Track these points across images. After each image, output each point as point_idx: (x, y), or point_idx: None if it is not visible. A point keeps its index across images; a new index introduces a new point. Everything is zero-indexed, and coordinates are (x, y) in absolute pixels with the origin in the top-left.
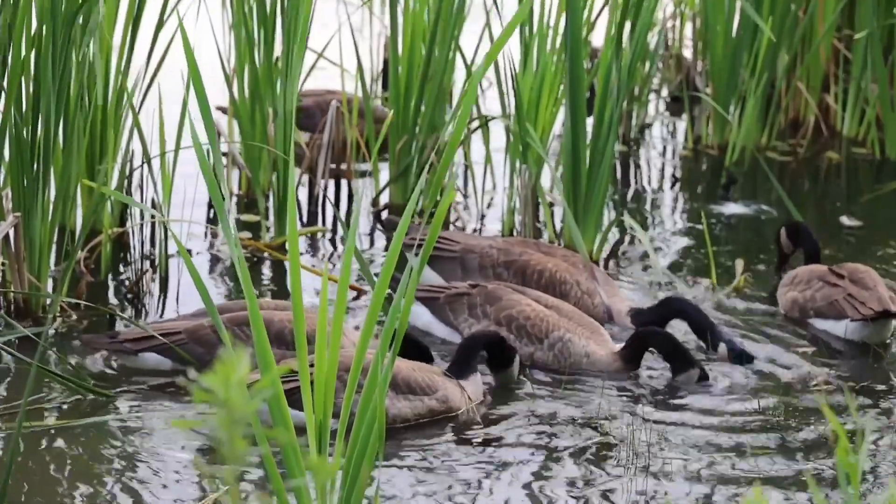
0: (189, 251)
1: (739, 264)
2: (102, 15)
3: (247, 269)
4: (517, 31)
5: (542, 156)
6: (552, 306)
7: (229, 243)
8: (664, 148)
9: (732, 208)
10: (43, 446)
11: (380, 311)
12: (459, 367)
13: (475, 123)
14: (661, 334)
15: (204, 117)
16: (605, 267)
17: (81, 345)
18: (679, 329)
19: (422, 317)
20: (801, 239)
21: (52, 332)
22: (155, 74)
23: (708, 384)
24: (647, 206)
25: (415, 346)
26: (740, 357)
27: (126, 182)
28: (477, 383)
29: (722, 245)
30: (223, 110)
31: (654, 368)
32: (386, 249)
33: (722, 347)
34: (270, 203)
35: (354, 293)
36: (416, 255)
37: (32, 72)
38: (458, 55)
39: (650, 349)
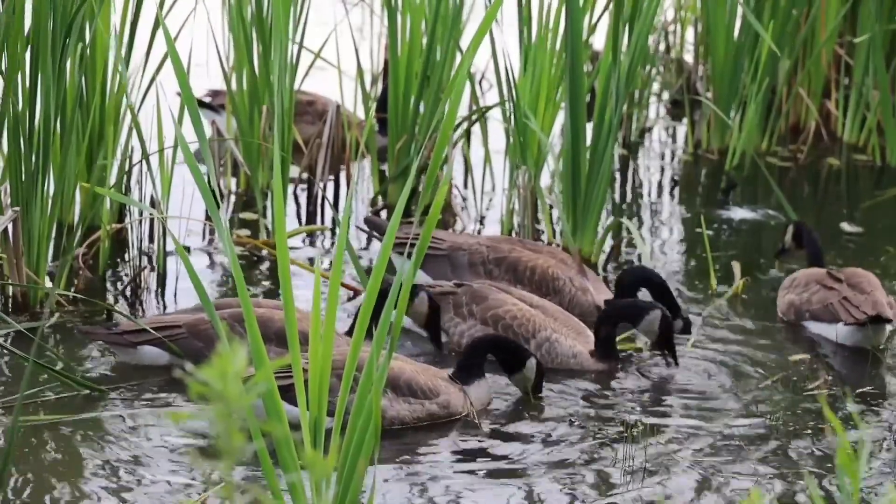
0: (187, 248)
1: (737, 268)
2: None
3: (239, 267)
4: (516, 32)
5: (542, 138)
6: (537, 306)
7: (223, 240)
8: (664, 152)
9: (732, 213)
10: (39, 441)
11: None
12: (464, 372)
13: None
14: (606, 313)
15: (191, 115)
16: (604, 270)
17: (79, 337)
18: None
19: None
20: (805, 241)
21: (48, 327)
22: (156, 73)
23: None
24: (647, 211)
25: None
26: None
27: (125, 178)
28: (482, 388)
29: (721, 250)
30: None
31: (650, 370)
32: None
33: (678, 323)
34: (270, 202)
35: (351, 293)
36: (403, 254)
37: (29, 68)
38: (458, 55)
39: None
